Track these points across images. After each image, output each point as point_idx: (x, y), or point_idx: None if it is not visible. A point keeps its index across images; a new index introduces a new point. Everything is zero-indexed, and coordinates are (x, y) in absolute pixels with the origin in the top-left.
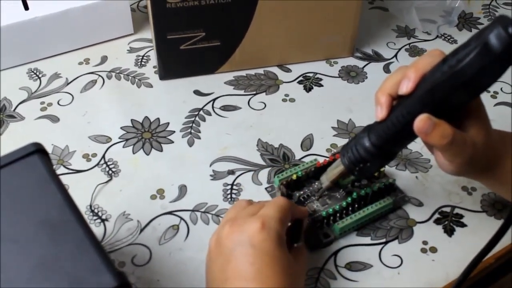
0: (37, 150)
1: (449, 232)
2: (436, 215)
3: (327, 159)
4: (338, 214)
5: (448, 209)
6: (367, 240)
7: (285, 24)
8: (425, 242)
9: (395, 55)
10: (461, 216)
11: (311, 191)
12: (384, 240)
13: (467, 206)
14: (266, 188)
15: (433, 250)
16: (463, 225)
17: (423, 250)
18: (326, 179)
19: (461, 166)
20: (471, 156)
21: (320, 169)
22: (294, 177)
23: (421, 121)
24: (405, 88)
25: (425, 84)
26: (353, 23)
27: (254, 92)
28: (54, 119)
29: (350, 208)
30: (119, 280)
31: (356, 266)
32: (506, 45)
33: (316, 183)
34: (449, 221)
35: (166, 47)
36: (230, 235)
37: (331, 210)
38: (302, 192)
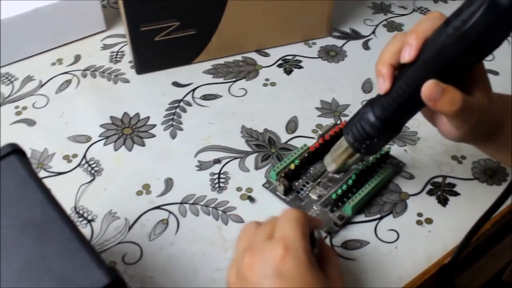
0: (14, 150)
1: (443, 202)
2: (429, 186)
3: (319, 142)
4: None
5: (439, 180)
6: (362, 217)
7: (260, 8)
8: (419, 214)
9: (373, 32)
10: (454, 185)
11: (308, 178)
12: (378, 216)
13: (459, 175)
14: (263, 185)
15: (429, 221)
16: (456, 194)
17: (419, 222)
18: (330, 160)
19: (467, 132)
20: (477, 121)
21: (314, 153)
22: (292, 166)
23: (428, 88)
24: (408, 56)
25: (429, 49)
26: (328, 3)
27: (234, 79)
28: (30, 122)
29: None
30: (111, 277)
31: (352, 245)
32: None
33: (312, 168)
34: (442, 191)
35: (141, 39)
36: (252, 268)
37: (340, 191)
38: (300, 181)
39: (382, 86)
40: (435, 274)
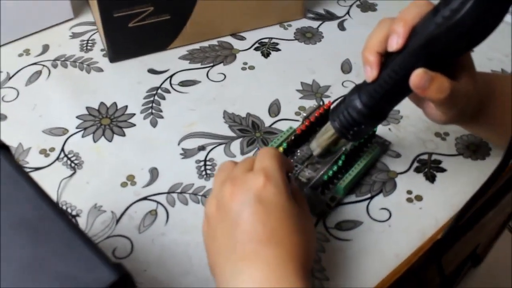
0: None
1: (431, 178)
2: (415, 164)
3: (305, 124)
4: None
5: (425, 157)
6: (353, 197)
7: None
8: (409, 192)
9: (347, 12)
10: (439, 162)
11: (296, 160)
12: (369, 195)
13: (443, 151)
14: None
15: (419, 198)
16: (442, 170)
17: (409, 200)
18: (316, 145)
19: (453, 116)
20: (463, 106)
21: (300, 136)
22: (281, 150)
23: (417, 76)
24: (396, 44)
25: (418, 37)
26: None
27: (211, 64)
28: (1, 117)
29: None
30: (118, 272)
31: (346, 225)
32: None
33: (299, 151)
34: (429, 168)
35: (114, 26)
36: (234, 196)
37: (331, 172)
38: None
39: (369, 74)
40: (428, 250)
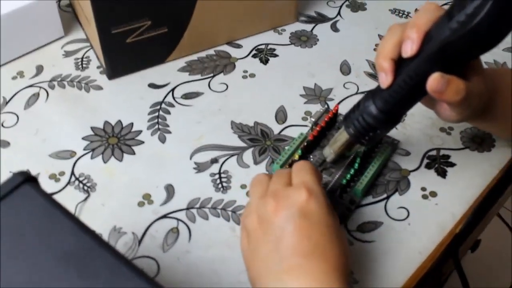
0: (26, 179)
1: (442, 174)
2: (426, 160)
3: (317, 129)
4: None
5: (434, 153)
6: (370, 199)
7: (229, 0)
8: (423, 189)
9: (339, 13)
10: (448, 157)
11: None
12: (385, 195)
13: (450, 146)
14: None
15: (433, 194)
16: (452, 164)
17: (424, 197)
18: (330, 152)
19: (467, 115)
20: (476, 105)
21: (313, 142)
22: (296, 157)
23: (434, 80)
24: (410, 50)
25: (433, 43)
26: None
27: (212, 74)
28: (4, 144)
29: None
30: None
31: (368, 227)
32: None
33: (311, 156)
34: (439, 163)
35: (112, 43)
36: (278, 212)
37: (349, 175)
38: None
39: (384, 80)
40: (449, 245)
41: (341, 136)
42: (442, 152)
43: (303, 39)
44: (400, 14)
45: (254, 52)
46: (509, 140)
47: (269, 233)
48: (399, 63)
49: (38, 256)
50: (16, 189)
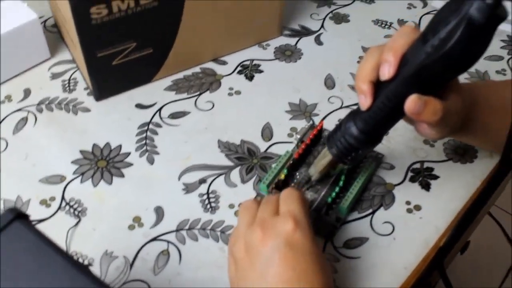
0: (17, 216)
1: (426, 187)
2: (410, 174)
3: (302, 147)
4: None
5: (418, 166)
6: (355, 215)
7: (213, 18)
8: (408, 203)
9: (322, 26)
10: (432, 169)
11: (297, 184)
12: (370, 210)
13: (434, 158)
14: (255, 198)
15: (418, 208)
16: (435, 177)
17: (409, 210)
18: (315, 171)
19: (445, 133)
20: (454, 122)
21: (299, 159)
22: (282, 176)
23: (412, 102)
24: (387, 73)
25: (409, 66)
26: (279, 2)
27: (198, 93)
28: None
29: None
30: None
31: (353, 243)
32: (488, 16)
33: (297, 174)
34: (422, 176)
35: (98, 66)
36: (264, 242)
37: (334, 194)
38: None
39: (363, 102)
40: (433, 258)
41: (324, 157)
42: (426, 165)
43: (288, 54)
44: (383, 25)
45: (239, 68)
46: (490, 151)
47: (256, 262)
48: (378, 84)
49: None
50: (7, 227)
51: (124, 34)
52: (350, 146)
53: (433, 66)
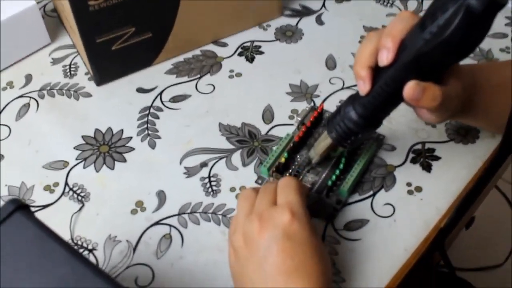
0: (18, 207)
1: (427, 168)
2: (411, 155)
3: (302, 130)
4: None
5: (419, 147)
6: (356, 196)
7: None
8: (409, 184)
9: (323, 5)
10: (433, 150)
11: (298, 166)
12: (371, 192)
13: (435, 139)
14: (256, 182)
15: (418, 189)
16: (437, 158)
17: (410, 192)
18: (315, 154)
19: (446, 117)
20: (455, 106)
21: (299, 143)
22: (283, 160)
23: (410, 89)
24: (386, 59)
25: (407, 52)
26: None
27: (198, 76)
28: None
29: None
30: None
31: (354, 225)
32: (487, 4)
33: (298, 156)
34: (424, 157)
35: (98, 51)
36: (262, 233)
37: (334, 176)
38: (290, 171)
39: (362, 88)
40: (433, 240)
41: (324, 140)
42: (427, 146)
43: (288, 34)
44: (385, 3)
45: (239, 50)
46: (492, 132)
47: (255, 253)
48: (377, 69)
49: (31, 284)
50: (8, 218)
51: (123, 19)
52: (349, 130)
53: (432, 53)
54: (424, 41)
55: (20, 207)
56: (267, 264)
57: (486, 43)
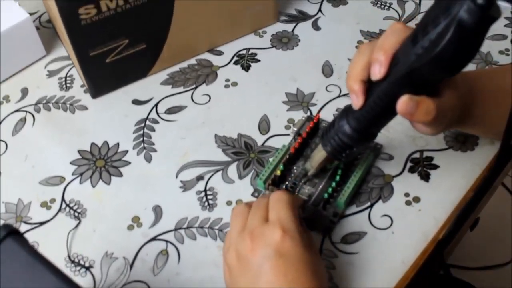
0: (9, 232)
1: (425, 177)
2: (409, 164)
3: (298, 141)
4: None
5: (417, 155)
6: (354, 208)
7: (206, 7)
8: (407, 194)
9: (319, 9)
10: (431, 158)
11: (294, 178)
12: (369, 203)
13: (434, 147)
14: (252, 195)
15: (416, 200)
16: (435, 167)
17: (408, 203)
18: (310, 166)
19: (441, 128)
20: (450, 118)
21: (295, 154)
22: (278, 173)
23: (403, 104)
24: (378, 74)
25: (400, 67)
26: None
27: (194, 86)
28: None
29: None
30: None
31: (351, 238)
32: (479, 19)
33: (295, 167)
34: (422, 166)
35: (91, 65)
36: (254, 251)
37: (330, 189)
38: (287, 183)
39: (355, 102)
40: (432, 252)
41: (319, 153)
42: (425, 154)
43: (284, 41)
44: (382, 7)
45: (235, 58)
46: (490, 138)
47: (248, 271)
48: (370, 83)
49: None
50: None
51: (116, 32)
52: (343, 144)
53: (424, 69)
54: (415, 56)
55: (11, 232)
56: (260, 282)
57: (486, 46)
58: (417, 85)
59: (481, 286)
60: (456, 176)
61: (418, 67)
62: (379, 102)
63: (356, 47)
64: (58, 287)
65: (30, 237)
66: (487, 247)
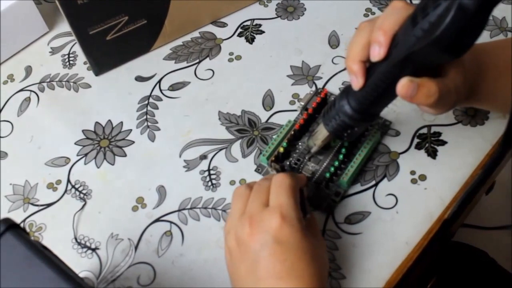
0: (9, 226)
1: (432, 154)
2: (416, 140)
3: (303, 117)
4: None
5: (425, 130)
6: (358, 187)
7: None
8: (413, 172)
9: None
10: (439, 134)
11: (299, 154)
12: (373, 182)
13: (442, 121)
14: (255, 170)
15: (423, 178)
16: (443, 143)
17: (413, 181)
18: (313, 143)
19: (447, 108)
20: (455, 98)
21: (300, 130)
22: (281, 150)
23: (404, 86)
24: (378, 55)
25: (399, 49)
26: None
27: (198, 60)
28: (2, 155)
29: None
30: None
31: (355, 218)
32: (479, 2)
33: (300, 143)
34: (429, 142)
35: (92, 43)
36: (253, 236)
37: (332, 168)
38: (291, 159)
39: (355, 83)
40: (437, 232)
41: (321, 131)
42: (433, 129)
43: (290, 10)
44: None
45: (239, 30)
46: (501, 114)
47: (246, 255)
48: (370, 63)
49: None
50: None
51: (114, 9)
52: (344, 124)
53: (424, 52)
54: (415, 39)
55: (10, 226)
56: (258, 267)
57: (500, 10)
58: (418, 67)
59: (495, 246)
60: (464, 152)
61: (417, 51)
62: (379, 83)
63: (364, 15)
64: (55, 281)
65: (38, 219)
66: (503, 208)
